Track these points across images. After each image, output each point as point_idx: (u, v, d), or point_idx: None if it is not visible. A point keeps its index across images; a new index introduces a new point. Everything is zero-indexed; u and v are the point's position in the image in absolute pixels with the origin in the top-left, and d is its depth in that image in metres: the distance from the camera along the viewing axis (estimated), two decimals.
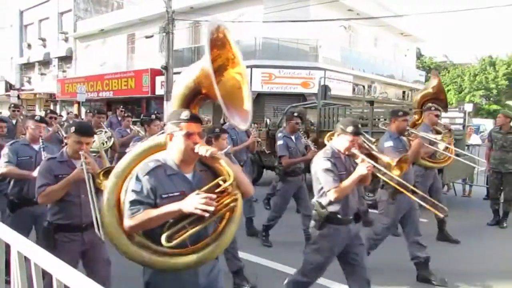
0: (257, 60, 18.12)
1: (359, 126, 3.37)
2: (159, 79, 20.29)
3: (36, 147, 3.91)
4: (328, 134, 3.70)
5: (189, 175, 2.15)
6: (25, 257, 1.78)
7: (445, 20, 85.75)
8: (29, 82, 32.00)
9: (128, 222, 2.00)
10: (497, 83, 34.19)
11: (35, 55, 30.32)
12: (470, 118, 11.22)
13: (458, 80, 34.90)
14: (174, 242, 1.94)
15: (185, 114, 2.12)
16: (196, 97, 2.36)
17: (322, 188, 3.27)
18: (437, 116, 5.44)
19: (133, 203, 2.00)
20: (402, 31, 25.53)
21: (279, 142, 5.52)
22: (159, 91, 20.25)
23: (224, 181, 2.08)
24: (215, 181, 2.10)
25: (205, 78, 2.20)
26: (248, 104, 2.37)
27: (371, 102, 12.72)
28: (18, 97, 27.32)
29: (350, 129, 3.21)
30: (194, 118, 2.13)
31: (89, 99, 23.73)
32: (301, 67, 17.99)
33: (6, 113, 12.96)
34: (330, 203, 3.22)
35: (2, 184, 4.46)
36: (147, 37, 18.78)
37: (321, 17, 17.21)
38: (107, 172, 2.81)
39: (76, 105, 25.77)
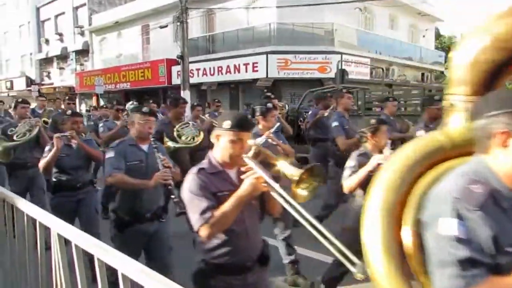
0: (272, 46, 18.00)
1: None
2: (175, 69, 20.38)
3: (144, 147, 3.16)
4: None
5: None
6: (65, 239, 1.86)
7: None
8: (48, 76, 32.60)
9: None
10: None
11: (53, 50, 30.81)
12: None
13: None
14: None
15: None
16: None
17: None
18: None
19: (465, 264, 1.17)
20: (420, 11, 24.95)
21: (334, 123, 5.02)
22: (176, 80, 20.36)
23: None
24: None
25: None
26: None
27: (390, 85, 12.56)
28: (39, 91, 27.88)
29: None
30: None
31: (107, 91, 24.06)
32: (317, 51, 17.80)
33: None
34: None
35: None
36: (161, 27, 18.82)
37: (335, 0, 16.95)
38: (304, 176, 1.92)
39: (94, 98, 26.20)
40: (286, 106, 10.18)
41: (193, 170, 2.11)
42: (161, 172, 2.93)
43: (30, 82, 31.91)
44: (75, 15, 29.31)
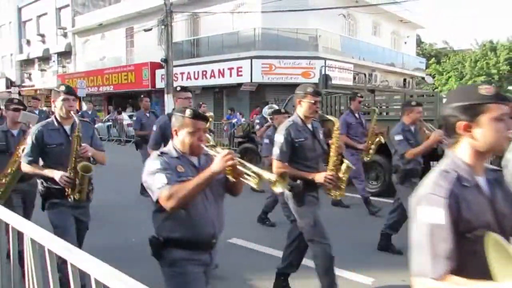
0: (256, 51, 18.08)
1: None
2: (159, 72, 20.27)
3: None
4: None
5: None
6: (38, 244, 1.83)
7: (444, 5, 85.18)
8: (29, 78, 32.03)
9: None
10: (498, 68, 33.94)
11: (35, 51, 30.30)
12: None
13: (459, 66, 34.72)
14: None
15: None
16: None
17: None
18: None
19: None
20: (402, 18, 25.39)
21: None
22: (160, 84, 20.24)
23: None
24: None
25: None
26: None
27: (372, 91, 12.71)
28: (19, 93, 27.38)
29: None
30: None
31: (90, 94, 23.75)
32: (301, 57, 17.95)
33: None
34: None
35: None
36: (145, 30, 18.69)
37: (320, 6, 17.13)
38: None
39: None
40: None
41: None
42: None
43: (10, 83, 31.30)
44: (58, 16, 28.91)
